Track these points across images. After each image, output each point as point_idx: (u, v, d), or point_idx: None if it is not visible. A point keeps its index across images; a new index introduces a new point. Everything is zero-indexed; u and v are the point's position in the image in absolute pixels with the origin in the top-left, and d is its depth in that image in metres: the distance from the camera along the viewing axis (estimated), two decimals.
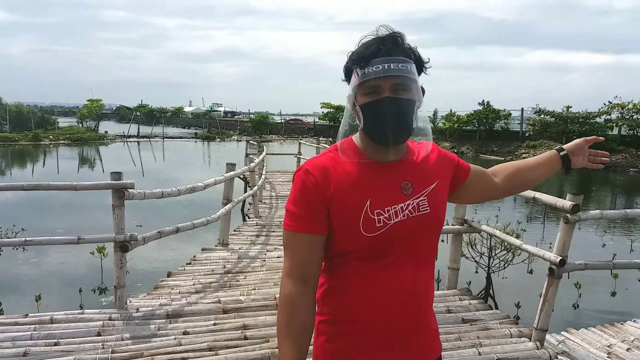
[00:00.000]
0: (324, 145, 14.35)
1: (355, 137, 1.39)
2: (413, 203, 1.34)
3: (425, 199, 1.35)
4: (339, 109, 42.23)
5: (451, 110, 33.91)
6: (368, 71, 1.27)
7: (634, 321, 4.40)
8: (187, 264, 5.85)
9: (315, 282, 1.36)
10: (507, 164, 1.67)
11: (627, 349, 3.79)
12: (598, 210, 3.75)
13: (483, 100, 31.94)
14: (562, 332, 4.11)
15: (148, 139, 39.27)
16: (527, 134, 28.33)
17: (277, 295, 4.28)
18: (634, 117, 24.71)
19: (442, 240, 5.68)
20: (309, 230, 1.32)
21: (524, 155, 26.79)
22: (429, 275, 1.43)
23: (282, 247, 6.56)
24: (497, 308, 5.08)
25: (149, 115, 57.44)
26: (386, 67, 1.26)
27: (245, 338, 3.58)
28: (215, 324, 3.74)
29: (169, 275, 5.35)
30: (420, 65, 1.35)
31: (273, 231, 7.68)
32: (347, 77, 1.36)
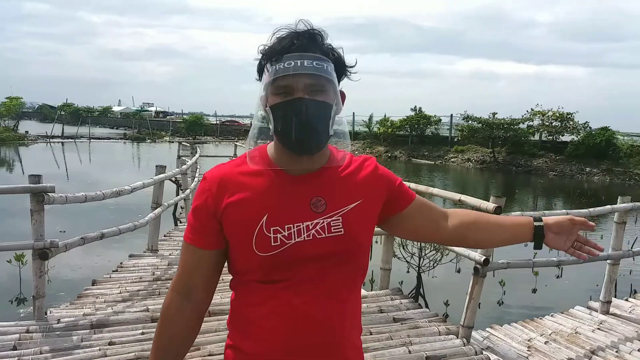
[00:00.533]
0: None
1: (270, 145, 1.24)
2: (323, 222, 1.16)
3: (339, 219, 1.18)
4: None
5: (385, 116, 34.66)
6: (279, 67, 1.12)
7: (552, 316, 4.66)
8: (113, 271, 5.62)
9: (200, 298, 1.24)
10: (469, 212, 1.45)
11: (545, 342, 4.01)
12: (519, 212, 3.95)
13: (415, 106, 32.88)
14: (487, 329, 4.29)
15: (73, 140, 37.44)
16: (455, 139, 29.40)
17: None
18: (553, 124, 26.24)
19: (376, 242, 5.78)
20: (196, 242, 1.22)
21: (452, 160, 27.87)
22: (347, 305, 1.23)
23: None
24: (427, 307, 5.23)
25: (75, 115, 54.78)
26: (299, 64, 1.12)
27: None
28: (143, 333, 3.61)
29: (93, 283, 5.11)
30: (342, 68, 1.21)
31: None
32: (260, 75, 1.20)
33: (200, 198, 1.20)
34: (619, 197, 4.73)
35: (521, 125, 26.63)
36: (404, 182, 1.37)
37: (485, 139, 26.93)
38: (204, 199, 1.19)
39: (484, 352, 3.58)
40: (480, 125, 26.79)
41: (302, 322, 1.17)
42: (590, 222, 1.35)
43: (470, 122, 27.51)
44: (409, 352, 3.48)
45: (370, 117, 36.12)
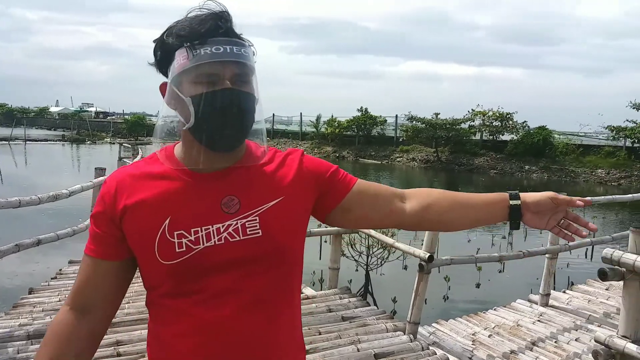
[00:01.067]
0: None
1: (178, 145, 1.11)
2: (236, 224, 1.03)
3: (256, 219, 1.04)
4: None
5: (333, 116, 34.92)
6: (204, 52, 0.98)
7: (495, 309, 4.82)
8: (52, 278, 5.38)
9: (98, 317, 1.08)
10: (432, 191, 1.24)
11: (489, 335, 4.15)
12: None
13: (362, 107, 33.30)
14: (433, 324, 4.40)
15: (7, 142, 35.60)
16: (401, 139, 29.98)
17: None
18: (493, 124, 27.18)
19: (325, 241, 5.80)
20: (95, 253, 1.07)
21: (398, 160, 28.41)
22: (281, 319, 1.09)
23: None
24: (375, 304, 5.29)
25: (8, 116, 52.51)
26: (228, 50, 0.99)
27: (119, 355, 3.36)
28: None
29: (30, 292, 4.87)
30: (255, 57, 1.08)
31: None
32: (165, 59, 1.04)
33: (99, 203, 1.07)
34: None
35: (463, 125, 27.42)
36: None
37: (429, 139, 27.59)
38: (102, 204, 1.07)
39: (430, 348, 3.66)
40: (423, 125, 27.42)
41: (221, 343, 1.03)
42: (581, 200, 1.18)
43: (414, 122, 28.12)
44: (358, 350, 3.51)
45: (318, 118, 36.32)
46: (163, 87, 1.06)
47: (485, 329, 4.30)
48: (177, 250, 1.01)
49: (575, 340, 4.03)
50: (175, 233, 1.01)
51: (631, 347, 2.30)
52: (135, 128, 44.55)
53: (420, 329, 3.96)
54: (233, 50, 1.00)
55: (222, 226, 1.02)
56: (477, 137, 27.89)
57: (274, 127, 41.10)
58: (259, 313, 1.05)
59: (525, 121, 26.95)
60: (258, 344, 1.06)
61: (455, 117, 27.43)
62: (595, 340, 2.42)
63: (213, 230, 1.02)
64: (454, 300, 6.58)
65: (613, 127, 24.14)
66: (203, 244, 1.01)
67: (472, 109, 27.94)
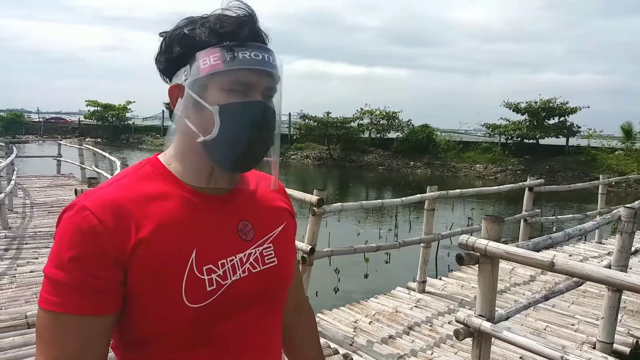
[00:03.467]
0: (87, 146, 13.20)
1: (167, 157, 0.93)
2: (255, 252, 0.92)
3: (271, 247, 0.94)
4: (107, 107, 39.36)
5: None
6: (244, 57, 0.84)
7: (376, 297, 5.08)
8: None
9: None
10: (308, 321, 1.19)
11: (369, 322, 4.37)
12: (339, 203, 4.25)
13: None
14: (318, 314, 4.54)
15: None
16: (294, 137, 30.32)
17: (29, 314, 3.85)
18: (380, 122, 28.33)
19: None
20: (88, 310, 0.79)
21: (292, 157, 28.67)
22: (278, 345, 1.01)
23: (35, 261, 5.88)
24: None
25: None
26: (266, 59, 0.86)
27: None
28: None
29: None
30: None
31: (26, 243, 6.81)
32: (185, 55, 0.86)
33: (84, 242, 0.79)
34: (428, 187, 5.32)
35: (353, 124, 28.30)
36: None
37: (321, 137, 28.14)
38: (92, 242, 0.79)
39: None
40: (315, 123, 27.92)
41: None
42: None
43: (306, 120, 28.55)
44: None
45: None
46: (174, 90, 0.88)
47: (366, 316, 4.53)
48: (207, 288, 0.84)
49: (448, 323, 4.37)
50: (204, 268, 0.85)
51: (486, 325, 2.55)
52: (12, 126, 40.85)
53: None
54: (270, 59, 0.86)
55: (244, 256, 0.90)
56: (366, 135, 28.91)
57: (164, 124, 39.70)
58: (273, 346, 0.97)
59: (409, 119, 28.39)
60: None
61: (346, 116, 28.23)
62: (456, 320, 2.65)
63: (237, 261, 0.89)
64: (344, 291, 6.82)
65: (489, 124, 26.19)
66: (230, 278, 0.87)
67: (360, 108, 28.93)
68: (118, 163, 7.66)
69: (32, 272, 5.33)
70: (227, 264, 0.87)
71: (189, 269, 0.83)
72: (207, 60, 0.84)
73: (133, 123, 41.83)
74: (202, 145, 0.86)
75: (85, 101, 40.02)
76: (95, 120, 40.56)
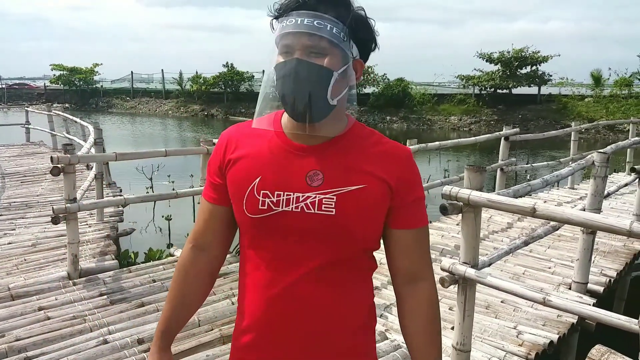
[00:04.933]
0: (57, 112, 12.83)
1: None
2: (315, 198, 1.09)
3: (333, 199, 1.09)
4: (74, 71, 38.14)
5: (197, 72, 33.70)
6: (281, 25, 1.07)
7: None
8: None
9: (214, 253, 1.25)
10: (423, 304, 1.22)
11: None
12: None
13: (227, 62, 32.54)
14: None
15: None
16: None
17: (11, 286, 3.82)
18: None
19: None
20: (206, 196, 1.23)
21: None
22: (347, 294, 1.15)
23: (12, 232, 5.77)
24: None
25: None
26: (298, 22, 1.04)
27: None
28: None
29: None
30: (367, 36, 1.12)
31: (1, 215, 6.65)
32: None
33: (213, 154, 1.22)
34: (408, 140, 5.36)
35: None
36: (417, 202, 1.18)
37: None
38: (214, 154, 1.22)
39: None
40: None
41: (283, 307, 1.13)
42: None
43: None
44: (232, 303, 3.61)
45: (180, 75, 34.85)
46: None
47: None
48: (259, 207, 1.11)
49: None
50: (262, 192, 1.11)
51: (470, 272, 2.62)
52: None
53: None
54: (304, 22, 1.03)
55: (302, 196, 1.10)
56: None
57: (134, 86, 38.74)
58: (321, 286, 1.12)
59: (385, 74, 28.29)
60: (317, 315, 1.13)
61: None
62: (441, 269, 2.72)
63: (293, 197, 1.10)
64: None
65: (463, 76, 26.27)
66: (282, 207, 1.10)
67: None
68: (91, 128, 7.47)
69: (10, 243, 5.23)
70: (283, 196, 1.10)
71: (250, 189, 1.12)
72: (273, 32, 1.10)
73: (101, 86, 40.73)
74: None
75: (51, 65, 38.73)
76: (61, 85, 39.37)
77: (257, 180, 1.11)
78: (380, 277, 4.25)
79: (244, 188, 1.13)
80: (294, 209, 1.09)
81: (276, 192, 1.10)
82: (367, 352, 1.23)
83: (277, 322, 1.14)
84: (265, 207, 1.10)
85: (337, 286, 1.14)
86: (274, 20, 1.09)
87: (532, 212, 2.38)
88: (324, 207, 1.09)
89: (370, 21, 1.13)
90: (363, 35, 1.11)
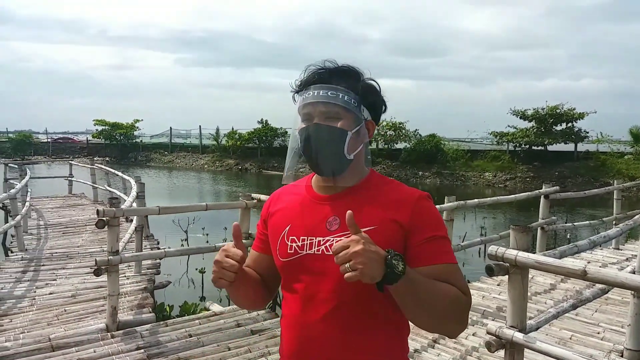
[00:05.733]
0: (99, 165, 13.28)
1: None
2: (333, 240, 1.21)
3: None
4: (115, 126, 39.65)
5: (233, 128, 34.58)
6: (301, 97, 1.27)
7: None
8: None
9: (264, 291, 1.40)
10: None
11: None
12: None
13: (262, 119, 33.34)
14: None
15: None
16: None
17: (52, 337, 3.86)
18: (387, 133, 28.39)
19: None
20: (253, 246, 1.43)
21: (301, 170, 28.72)
22: (360, 333, 1.22)
23: (53, 282, 5.87)
24: None
25: None
26: (315, 94, 1.24)
27: None
28: None
29: None
30: (375, 100, 1.29)
31: (43, 265, 6.81)
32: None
33: (263, 210, 1.42)
34: (446, 197, 5.30)
35: None
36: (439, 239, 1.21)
37: None
38: (262, 210, 1.42)
39: None
40: None
41: (307, 342, 1.25)
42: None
43: None
44: None
45: (217, 130, 35.81)
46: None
47: None
48: (288, 251, 1.27)
49: (473, 335, 4.30)
50: (290, 237, 1.28)
51: (518, 336, 2.53)
52: (21, 147, 41.22)
53: None
54: (319, 93, 1.23)
55: (323, 240, 1.24)
56: (374, 146, 28.97)
57: (172, 141, 39.93)
58: (340, 323, 1.22)
59: (416, 129, 28.40)
60: (335, 350, 1.23)
61: None
62: (487, 332, 2.62)
63: (315, 241, 1.25)
64: None
65: (496, 132, 26.14)
66: (305, 251, 1.25)
67: None
68: (133, 182, 7.69)
69: (51, 293, 5.33)
70: (307, 241, 1.25)
71: (282, 236, 1.29)
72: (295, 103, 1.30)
73: (141, 141, 42.08)
74: None
75: (93, 120, 40.32)
76: (103, 139, 40.83)
77: (288, 227, 1.29)
78: (420, 339, 4.13)
79: (278, 235, 1.30)
80: (315, 252, 1.24)
81: (301, 237, 1.26)
82: None
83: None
84: (292, 251, 1.26)
85: (352, 325, 1.22)
86: (296, 94, 1.30)
87: (583, 275, 2.30)
88: None
89: (375, 86, 1.31)
90: (372, 100, 1.29)
